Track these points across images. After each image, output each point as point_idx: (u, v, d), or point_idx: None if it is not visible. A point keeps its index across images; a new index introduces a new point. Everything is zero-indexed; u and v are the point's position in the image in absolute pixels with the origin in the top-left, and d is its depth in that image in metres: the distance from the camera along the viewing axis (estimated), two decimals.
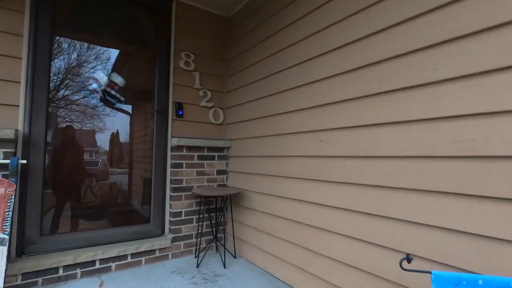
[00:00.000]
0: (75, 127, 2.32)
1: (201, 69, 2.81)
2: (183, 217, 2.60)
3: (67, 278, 2.04)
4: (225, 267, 2.34)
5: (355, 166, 1.61)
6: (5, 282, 1.72)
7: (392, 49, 1.42)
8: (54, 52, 2.19)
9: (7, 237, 1.74)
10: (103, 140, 2.44)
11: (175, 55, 2.67)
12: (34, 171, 2.04)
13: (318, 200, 1.83)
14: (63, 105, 2.28)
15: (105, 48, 2.42)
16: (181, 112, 2.63)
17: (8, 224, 1.76)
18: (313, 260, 1.86)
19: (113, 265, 2.22)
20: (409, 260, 1.02)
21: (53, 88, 2.20)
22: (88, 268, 2.12)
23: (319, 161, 1.84)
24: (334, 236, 1.72)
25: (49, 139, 2.19)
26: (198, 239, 2.65)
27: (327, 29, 1.80)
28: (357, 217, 1.59)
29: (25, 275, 1.90)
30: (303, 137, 1.97)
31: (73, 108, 2.31)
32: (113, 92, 2.40)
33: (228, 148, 2.89)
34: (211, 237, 2.75)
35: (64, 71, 2.26)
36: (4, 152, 1.87)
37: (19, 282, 1.89)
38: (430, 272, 0.96)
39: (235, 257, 2.59)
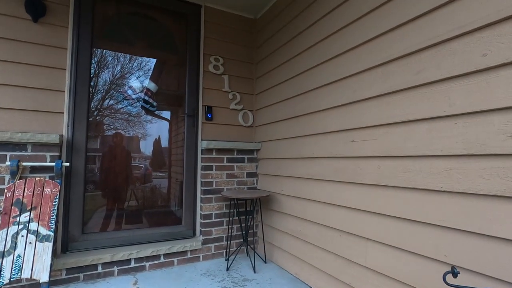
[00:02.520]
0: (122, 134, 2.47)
1: (230, 72, 2.83)
2: (213, 220, 2.61)
3: (105, 275, 2.15)
4: (255, 272, 2.29)
5: (391, 167, 1.47)
6: (50, 276, 1.86)
7: (432, 36, 1.28)
8: (99, 65, 2.36)
9: (52, 234, 1.88)
10: (145, 146, 2.57)
11: (205, 59, 2.71)
12: (77, 173, 2.19)
13: (351, 204, 1.70)
14: (107, 113, 2.43)
15: (140, 58, 2.54)
16: (210, 115, 2.65)
17: (53, 222, 1.90)
18: (346, 269, 1.73)
19: (147, 264, 2.29)
20: (455, 274, 0.89)
21: (100, 98, 2.37)
22: (124, 266, 2.21)
23: (350, 162, 1.72)
24: (369, 243, 1.58)
25: (97, 146, 2.34)
26: (228, 242, 2.64)
27: (358, 21, 1.68)
28: (393, 223, 1.44)
29: (68, 270, 2.04)
30: (334, 136, 1.86)
31: (116, 116, 2.45)
32: (146, 98, 2.50)
33: (257, 150, 2.86)
34: (241, 240, 2.72)
35: (109, 82, 2.42)
36: (50, 156, 2.04)
37: (63, 276, 2.02)
38: None
39: (265, 262, 2.52)
